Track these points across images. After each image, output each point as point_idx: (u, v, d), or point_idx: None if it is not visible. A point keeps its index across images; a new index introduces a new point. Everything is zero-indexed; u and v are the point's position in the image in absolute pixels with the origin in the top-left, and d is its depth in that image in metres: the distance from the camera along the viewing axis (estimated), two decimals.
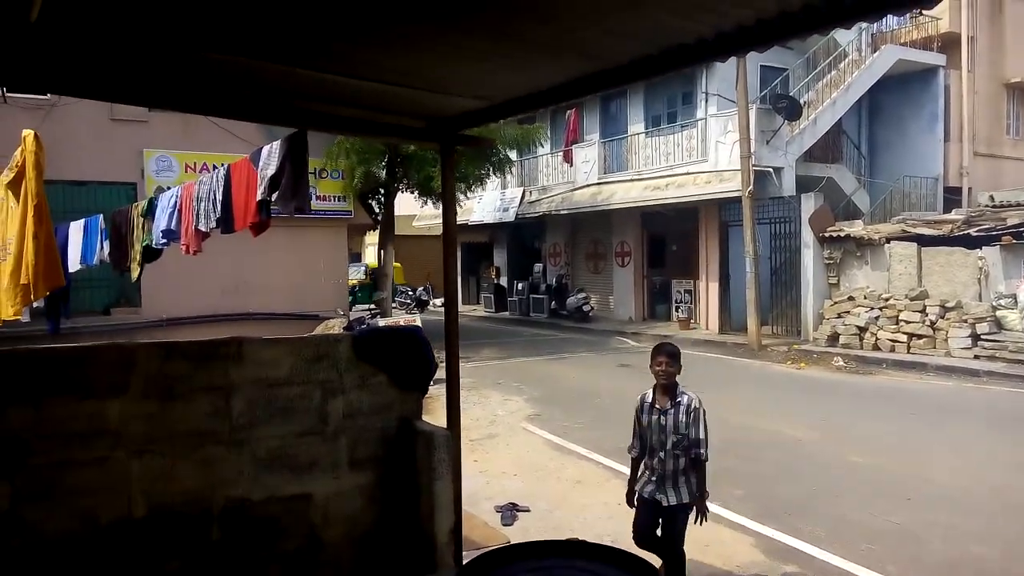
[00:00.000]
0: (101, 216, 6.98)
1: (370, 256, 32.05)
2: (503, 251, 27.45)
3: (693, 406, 4.18)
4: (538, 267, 25.12)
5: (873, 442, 8.20)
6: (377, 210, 18.85)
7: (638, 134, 20.45)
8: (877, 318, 14.52)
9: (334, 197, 16.45)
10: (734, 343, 16.35)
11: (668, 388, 4.22)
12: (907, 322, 14.08)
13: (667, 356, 4.20)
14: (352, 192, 16.45)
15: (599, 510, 6.13)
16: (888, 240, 15.03)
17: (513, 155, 20.23)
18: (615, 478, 6.81)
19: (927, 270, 14.56)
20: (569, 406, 10.43)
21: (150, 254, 6.07)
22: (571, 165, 21.92)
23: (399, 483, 4.19)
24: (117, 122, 14.87)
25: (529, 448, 8.25)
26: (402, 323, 12.95)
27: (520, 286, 24.80)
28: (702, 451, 4.15)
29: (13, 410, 3.34)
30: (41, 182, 4.47)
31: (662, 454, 4.20)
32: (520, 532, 5.65)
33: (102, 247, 6.69)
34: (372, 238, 28.38)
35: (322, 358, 4.07)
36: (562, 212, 22.01)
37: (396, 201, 17.80)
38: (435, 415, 6.02)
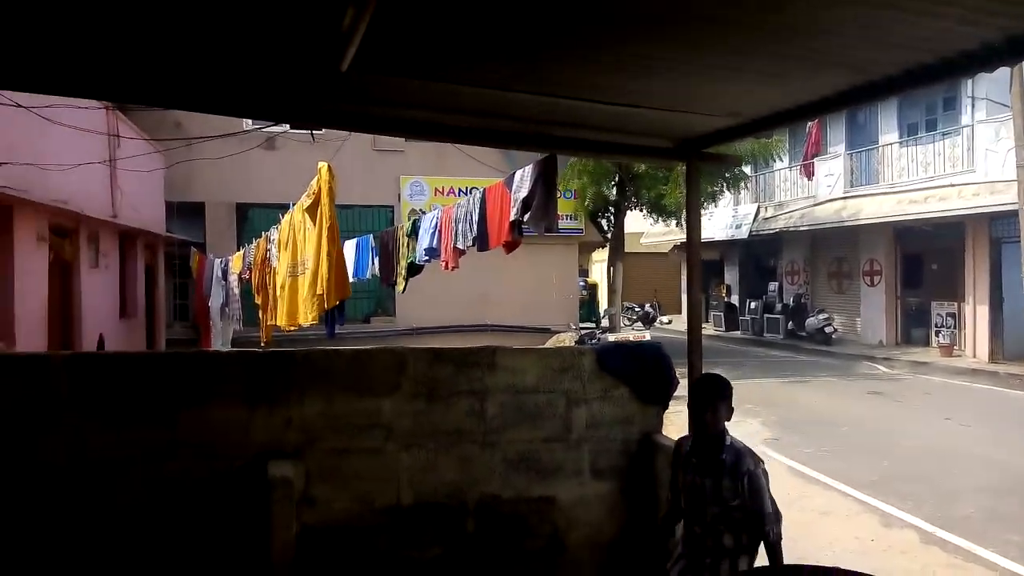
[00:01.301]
0: (372, 236, 7.87)
1: (596, 273, 32.46)
2: (734, 269, 26.51)
3: (747, 468, 2.94)
4: (773, 286, 23.91)
5: None
6: (606, 228, 19.13)
7: (891, 144, 18.82)
8: None
9: (567, 216, 16.98)
10: (1009, 373, 14.42)
11: (713, 440, 3.03)
12: None
13: (720, 399, 3.01)
14: (584, 211, 16.88)
15: (851, 544, 5.73)
16: None
17: (748, 170, 19.55)
18: (867, 512, 6.33)
19: None
20: (810, 432, 9.83)
21: (413, 269, 6.74)
22: (811, 179, 20.69)
23: (640, 496, 4.25)
24: (379, 152, 16.56)
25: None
26: (631, 338, 13.01)
27: (753, 305, 23.76)
28: (769, 528, 2.91)
29: (309, 402, 3.87)
30: (334, 207, 5.19)
31: (697, 528, 3.07)
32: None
33: (372, 263, 7.54)
34: (600, 255, 28.76)
35: (567, 369, 4.26)
36: (801, 228, 20.81)
37: (629, 223, 18.01)
38: (674, 433, 6.00)
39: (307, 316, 5.73)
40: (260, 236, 8.53)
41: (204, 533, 3.66)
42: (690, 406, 3.05)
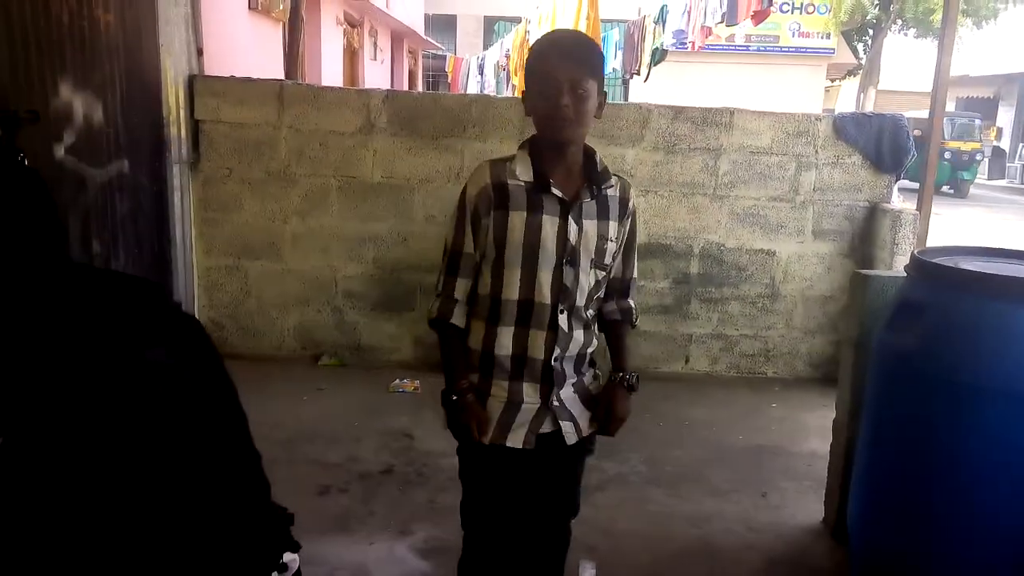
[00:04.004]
0: (615, 29, 8.20)
1: (843, 106, 29.98)
2: (1010, 109, 23.36)
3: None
4: None
5: None
6: (862, 53, 17.60)
7: None
8: None
9: (817, 34, 15.84)
10: None
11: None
12: None
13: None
14: (836, 28, 15.62)
15: None
16: None
17: None
18: None
19: None
20: None
21: (657, 57, 7.03)
22: None
23: (859, 256, 4.57)
24: None
25: None
26: None
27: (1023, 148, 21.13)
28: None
29: None
30: None
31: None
32: None
33: (615, 56, 7.91)
34: (851, 84, 26.45)
35: (802, 134, 4.53)
36: None
37: (887, 53, 16.40)
38: None
39: None
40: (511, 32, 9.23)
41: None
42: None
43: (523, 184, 1.76)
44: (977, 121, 19.20)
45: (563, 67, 1.69)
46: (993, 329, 2.01)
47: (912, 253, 2.47)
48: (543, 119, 1.73)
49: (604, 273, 1.87)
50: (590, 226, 1.78)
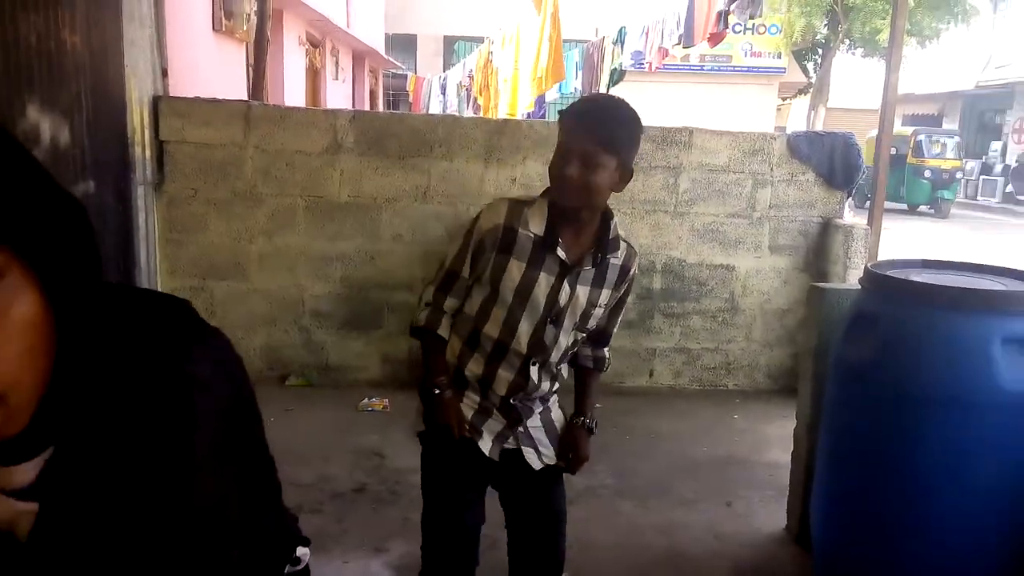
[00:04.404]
0: (576, 50, 8.37)
1: (794, 124, 30.79)
2: (953, 125, 24.27)
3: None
4: (996, 146, 21.81)
5: None
6: (812, 72, 18.15)
7: None
8: None
9: (768, 54, 16.32)
10: None
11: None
12: None
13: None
14: (787, 48, 16.11)
15: None
16: None
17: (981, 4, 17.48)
18: None
19: None
20: None
21: (615, 77, 7.20)
22: None
23: (813, 271, 4.74)
24: None
25: None
26: None
27: (969, 165, 21.91)
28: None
29: (530, 163, 4.62)
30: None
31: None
32: None
33: (576, 76, 8.08)
34: (802, 103, 27.20)
35: (757, 152, 4.69)
36: None
37: (835, 72, 16.91)
38: None
39: (528, 101, 6.49)
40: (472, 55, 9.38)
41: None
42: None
43: (532, 236, 1.77)
44: (956, 139, 18.54)
45: (578, 137, 1.68)
46: (942, 339, 2.12)
47: (866, 266, 2.59)
48: (553, 181, 1.75)
49: (584, 335, 1.91)
50: (583, 292, 1.81)
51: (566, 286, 1.79)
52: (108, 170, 3.79)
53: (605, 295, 1.85)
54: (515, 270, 1.77)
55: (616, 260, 1.85)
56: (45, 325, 0.68)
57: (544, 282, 1.78)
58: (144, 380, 0.76)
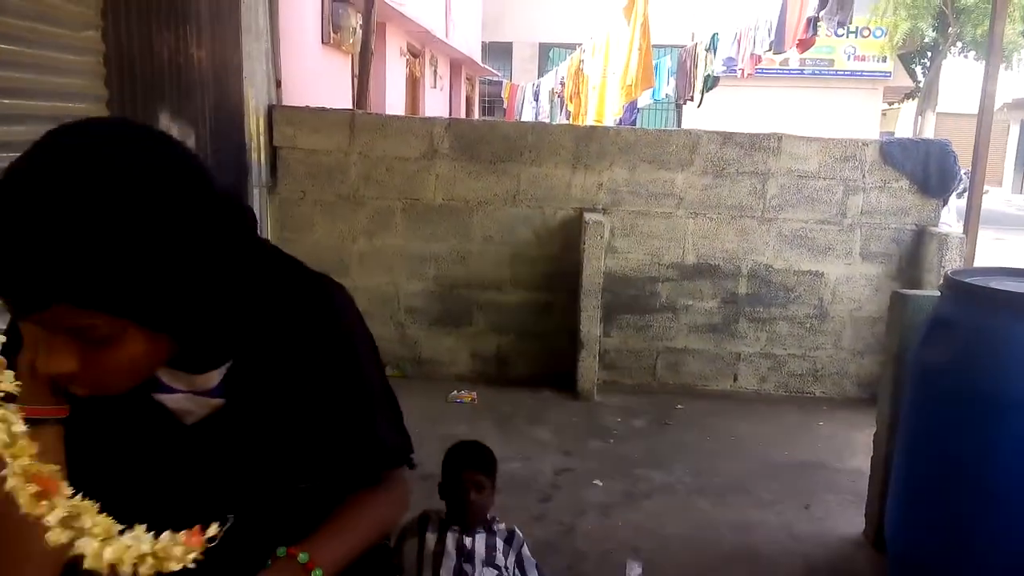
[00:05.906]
0: (668, 55, 8.42)
1: (902, 130, 29.49)
2: None
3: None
4: None
5: None
6: (920, 76, 17.41)
7: None
8: None
9: (873, 57, 15.76)
10: None
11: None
12: None
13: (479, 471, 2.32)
14: (892, 51, 15.52)
15: None
16: None
17: None
18: None
19: None
20: None
21: (709, 83, 7.22)
22: None
23: (906, 279, 4.65)
24: None
25: None
26: None
27: None
28: None
29: (616, 169, 4.73)
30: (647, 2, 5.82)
31: None
32: None
33: (668, 82, 8.13)
34: (910, 107, 26.05)
35: (848, 159, 4.66)
36: None
37: (946, 76, 16.19)
38: None
39: (615, 108, 6.61)
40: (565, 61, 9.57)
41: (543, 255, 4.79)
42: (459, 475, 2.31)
43: None
44: None
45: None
46: (1020, 344, 2.13)
47: (945, 273, 2.60)
48: None
49: None
50: None
51: None
52: (228, 174, 4.15)
53: None
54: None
55: None
56: (157, 352, 0.88)
57: None
58: (300, 306, 1.01)
